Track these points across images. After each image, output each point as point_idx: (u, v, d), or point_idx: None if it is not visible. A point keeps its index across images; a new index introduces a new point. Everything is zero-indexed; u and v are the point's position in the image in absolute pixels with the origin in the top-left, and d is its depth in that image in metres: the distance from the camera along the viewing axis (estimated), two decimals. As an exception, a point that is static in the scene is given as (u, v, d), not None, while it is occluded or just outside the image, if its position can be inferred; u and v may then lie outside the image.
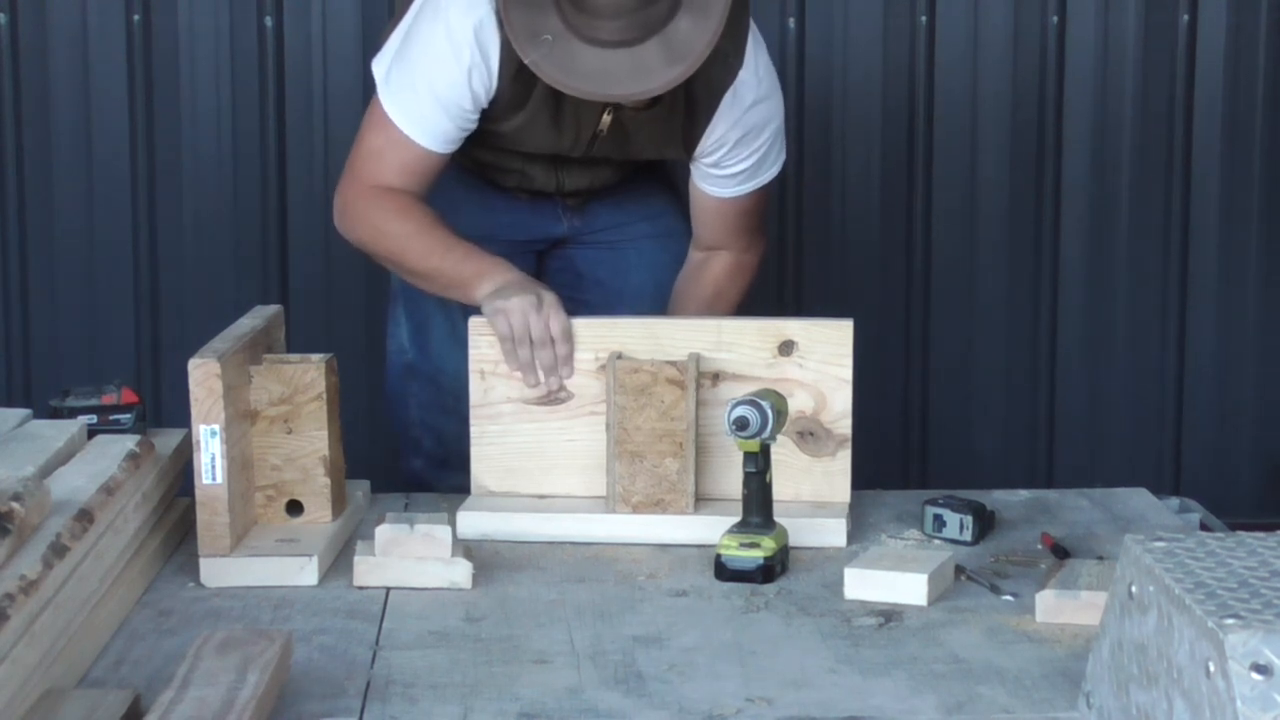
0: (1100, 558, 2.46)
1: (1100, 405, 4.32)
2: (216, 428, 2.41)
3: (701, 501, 2.65)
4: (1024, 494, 2.89)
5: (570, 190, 3.05)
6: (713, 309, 3.00)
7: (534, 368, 2.68)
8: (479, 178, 3.03)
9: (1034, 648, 2.18)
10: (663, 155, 3.00)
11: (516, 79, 2.76)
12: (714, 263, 3.04)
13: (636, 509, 2.61)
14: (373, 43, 4.11)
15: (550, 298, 2.70)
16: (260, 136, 4.14)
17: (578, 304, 2.88)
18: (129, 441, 2.47)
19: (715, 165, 2.91)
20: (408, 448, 3.13)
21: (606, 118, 2.84)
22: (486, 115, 2.83)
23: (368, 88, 4.13)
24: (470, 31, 2.74)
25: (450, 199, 2.94)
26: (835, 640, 2.22)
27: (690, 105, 2.82)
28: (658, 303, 3.06)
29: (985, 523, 2.63)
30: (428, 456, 3.08)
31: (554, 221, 3.11)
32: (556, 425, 2.70)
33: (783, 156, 2.98)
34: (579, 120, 2.85)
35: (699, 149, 2.88)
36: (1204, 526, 2.85)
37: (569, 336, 2.69)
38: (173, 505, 2.62)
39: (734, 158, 2.90)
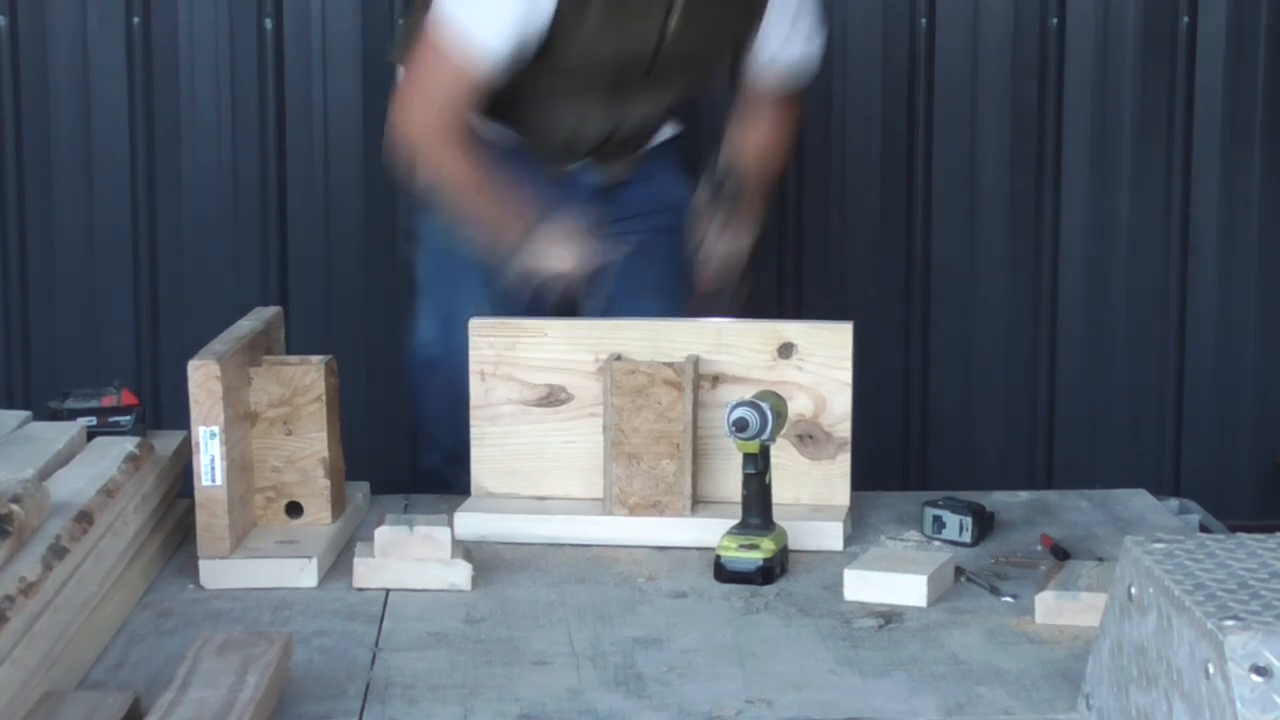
0: (1100, 559, 2.46)
1: (1100, 405, 4.31)
2: (216, 429, 2.41)
3: (700, 503, 2.65)
4: (1024, 495, 2.89)
5: (625, 136, 3.07)
6: (773, 146, 3.18)
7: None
8: (511, 164, 3.02)
9: (1034, 649, 2.18)
10: (730, 41, 3.06)
11: None
12: (762, 111, 3.18)
13: (634, 510, 2.61)
14: (373, 43, 4.13)
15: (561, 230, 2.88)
16: (260, 137, 4.14)
17: (602, 298, 2.91)
18: (129, 443, 2.47)
19: (769, 60, 3.07)
20: (425, 443, 3.14)
21: (676, 13, 2.90)
22: (554, 34, 2.87)
23: (368, 88, 4.16)
24: None
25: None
26: (835, 641, 2.22)
27: None
28: (679, 295, 3.09)
29: (985, 524, 2.63)
30: (446, 452, 3.07)
31: (581, 210, 3.06)
32: (556, 427, 2.70)
33: (820, 34, 3.14)
34: (644, 27, 2.90)
35: (757, 38, 3.04)
36: (1203, 528, 2.84)
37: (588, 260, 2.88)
38: (172, 507, 2.62)
39: (785, 47, 3.07)
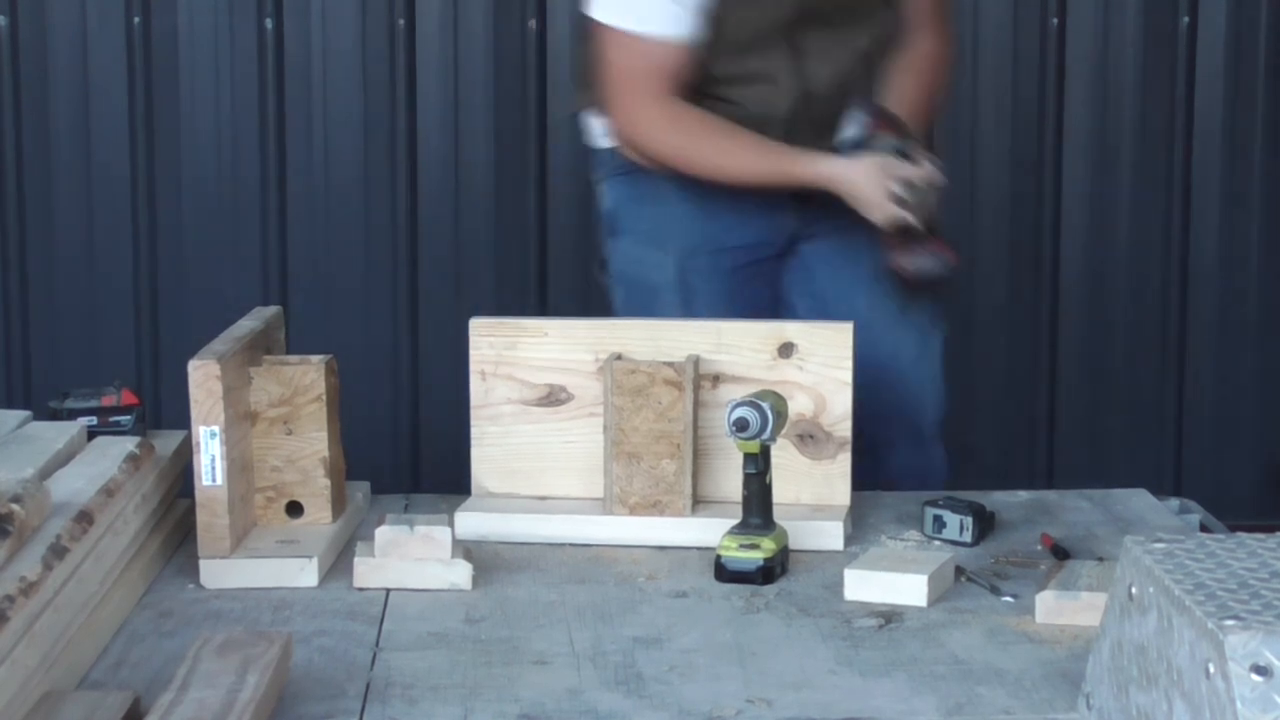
0: (1100, 559, 2.46)
1: (1100, 406, 4.32)
2: (216, 429, 2.41)
3: (701, 503, 2.65)
4: (1024, 495, 2.88)
5: (818, 107, 2.99)
6: (920, 74, 3.07)
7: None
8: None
9: (1034, 649, 2.18)
10: None
11: None
12: (914, 39, 3.07)
13: (634, 510, 2.61)
14: (373, 43, 4.13)
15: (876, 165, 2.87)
16: (260, 136, 4.15)
17: (817, 297, 2.95)
18: (129, 443, 2.47)
19: None
20: None
21: None
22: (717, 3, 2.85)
23: (368, 88, 4.16)
24: None
25: (670, 213, 3.00)
26: (835, 641, 2.22)
27: None
28: (888, 287, 3.04)
29: (985, 524, 2.63)
30: None
31: (782, 216, 3.06)
32: (556, 426, 2.70)
33: None
34: None
35: None
36: (1204, 528, 2.84)
37: (936, 176, 2.87)
38: (173, 507, 2.62)
39: None
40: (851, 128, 2.96)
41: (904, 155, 2.88)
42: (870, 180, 2.87)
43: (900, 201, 2.86)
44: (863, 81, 3.04)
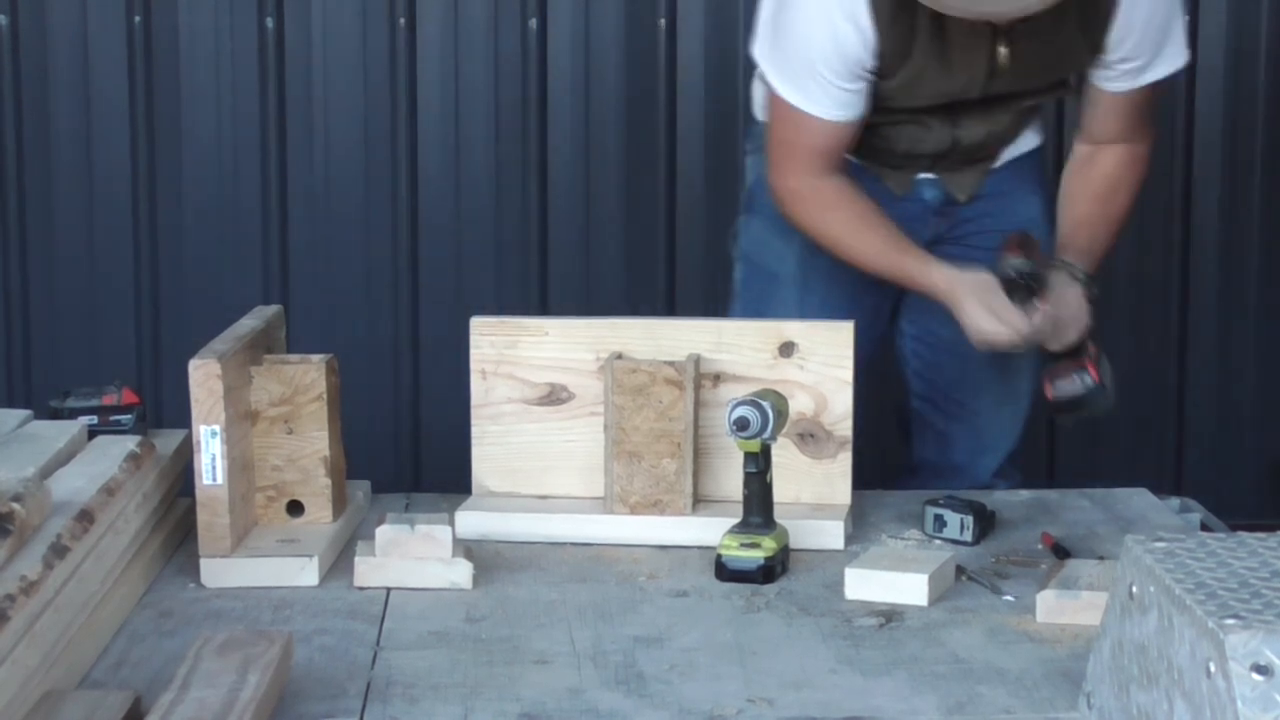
0: (1101, 558, 2.46)
1: (1100, 405, 4.31)
2: (217, 428, 2.41)
3: (701, 502, 2.65)
4: (1024, 494, 2.89)
5: (967, 145, 2.97)
6: (1110, 203, 2.98)
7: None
8: (854, 166, 2.98)
9: (1035, 648, 2.18)
10: (1066, 72, 2.92)
11: (894, 26, 2.72)
12: (1105, 155, 2.98)
13: (634, 509, 2.61)
14: (373, 43, 4.14)
15: (973, 289, 2.79)
16: (260, 136, 4.15)
17: (925, 311, 2.93)
18: (129, 442, 2.47)
19: (1122, 59, 2.84)
20: None
21: (1002, 50, 2.77)
22: (876, 73, 2.79)
23: (368, 88, 4.16)
24: None
25: None
26: (836, 640, 2.22)
27: (1089, 2, 2.73)
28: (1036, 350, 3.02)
29: (986, 523, 2.63)
30: None
31: (919, 227, 3.03)
32: (557, 425, 2.70)
33: (1186, 52, 2.91)
34: (970, 59, 2.79)
35: (1109, 43, 2.81)
36: (1204, 527, 2.84)
37: (1022, 323, 2.77)
38: (173, 506, 2.62)
39: (1139, 48, 2.83)
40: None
41: (1027, 281, 2.80)
42: (968, 299, 2.81)
43: (998, 327, 2.79)
44: (1016, 130, 3.02)
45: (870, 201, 2.91)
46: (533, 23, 4.15)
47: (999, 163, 3.06)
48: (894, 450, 3.26)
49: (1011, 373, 3.09)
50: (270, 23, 4.12)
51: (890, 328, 3.14)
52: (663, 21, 4.15)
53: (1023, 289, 2.79)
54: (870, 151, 2.98)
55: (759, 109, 3.07)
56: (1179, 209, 4.26)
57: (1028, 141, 3.08)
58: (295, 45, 4.13)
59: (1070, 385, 2.88)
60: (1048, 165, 3.18)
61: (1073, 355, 2.87)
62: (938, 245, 3.04)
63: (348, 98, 4.14)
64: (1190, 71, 4.20)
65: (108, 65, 4.11)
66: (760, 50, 2.88)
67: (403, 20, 4.13)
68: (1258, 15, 4.20)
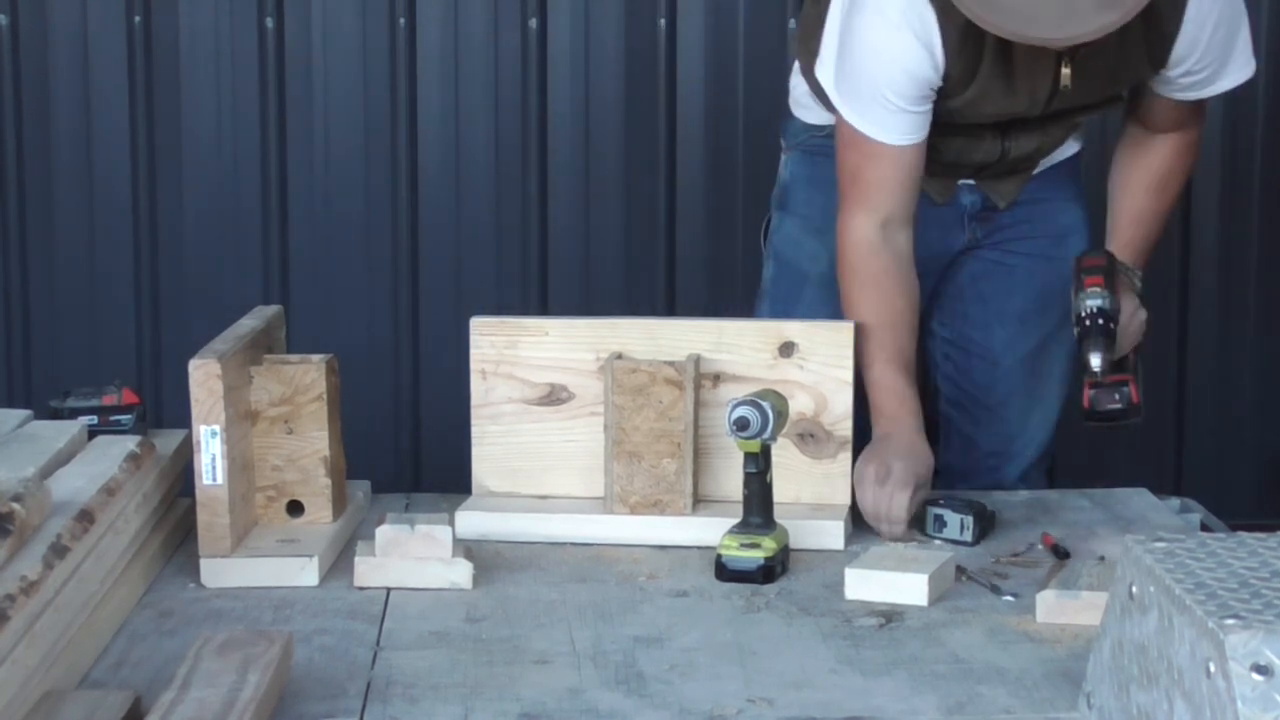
0: (1101, 558, 2.46)
1: (1100, 405, 4.31)
2: (217, 428, 2.41)
3: (701, 502, 2.65)
4: (1024, 494, 2.89)
5: (1014, 158, 2.93)
6: (1164, 194, 2.94)
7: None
8: None
9: (1035, 648, 2.18)
10: (1125, 86, 2.88)
11: (963, 50, 2.68)
12: (1159, 144, 2.93)
13: (634, 509, 2.61)
14: (373, 42, 4.13)
15: (898, 474, 2.60)
16: (260, 136, 4.15)
17: (958, 315, 2.89)
18: (129, 442, 2.47)
19: (1185, 73, 2.79)
20: None
21: (1065, 70, 2.73)
22: (940, 92, 2.75)
23: (368, 88, 4.16)
24: (904, 14, 2.67)
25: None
26: (836, 640, 2.22)
27: (1153, 17, 2.66)
28: (1036, 327, 3.00)
29: (986, 523, 2.63)
30: None
31: (956, 232, 3.02)
32: (557, 426, 2.70)
33: (1252, 62, 2.84)
34: (1034, 79, 2.75)
35: (1173, 58, 2.76)
36: (1204, 527, 2.84)
37: (900, 517, 2.60)
38: (173, 506, 2.62)
39: (1202, 63, 2.78)
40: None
41: (1108, 321, 2.75)
42: (868, 465, 2.64)
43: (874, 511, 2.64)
44: (1064, 141, 3.00)
45: (908, 298, 2.81)
46: (533, 23, 4.15)
47: (1038, 169, 3.03)
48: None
49: (1043, 378, 3.08)
50: (270, 23, 4.11)
51: (920, 331, 3.10)
52: (663, 21, 4.14)
53: (1101, 333, 2.74)
54: None
55: (795, 106, 3.06)
56: (1179, 209, 4.25)
57: (1067, 149, 3.05)
58: (295, 45, 4.13)
59: (1110, 400, 2.84)
60: (1081, 167, 3.14)
61: (1117, 368, 2.84)
62: (974, 250, 3.04)
63: (348, 98, 4.14)
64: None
65: (108, 65, 4.11)
66: (824, 74, 2.82)
67: (403, 20, 4.13)
68: (1258, 15, 4.20)
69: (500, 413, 2.71)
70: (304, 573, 2.42)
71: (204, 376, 2.40)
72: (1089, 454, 4.27)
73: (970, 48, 2.68)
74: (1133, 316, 2.86)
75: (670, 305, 4.18)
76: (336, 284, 4.20)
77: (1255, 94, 4.21)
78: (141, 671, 2.11)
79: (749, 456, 2.47)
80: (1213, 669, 1.60)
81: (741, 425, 2.44)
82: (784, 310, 2.99)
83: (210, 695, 1.85)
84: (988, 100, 2.77)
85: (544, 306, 4.19)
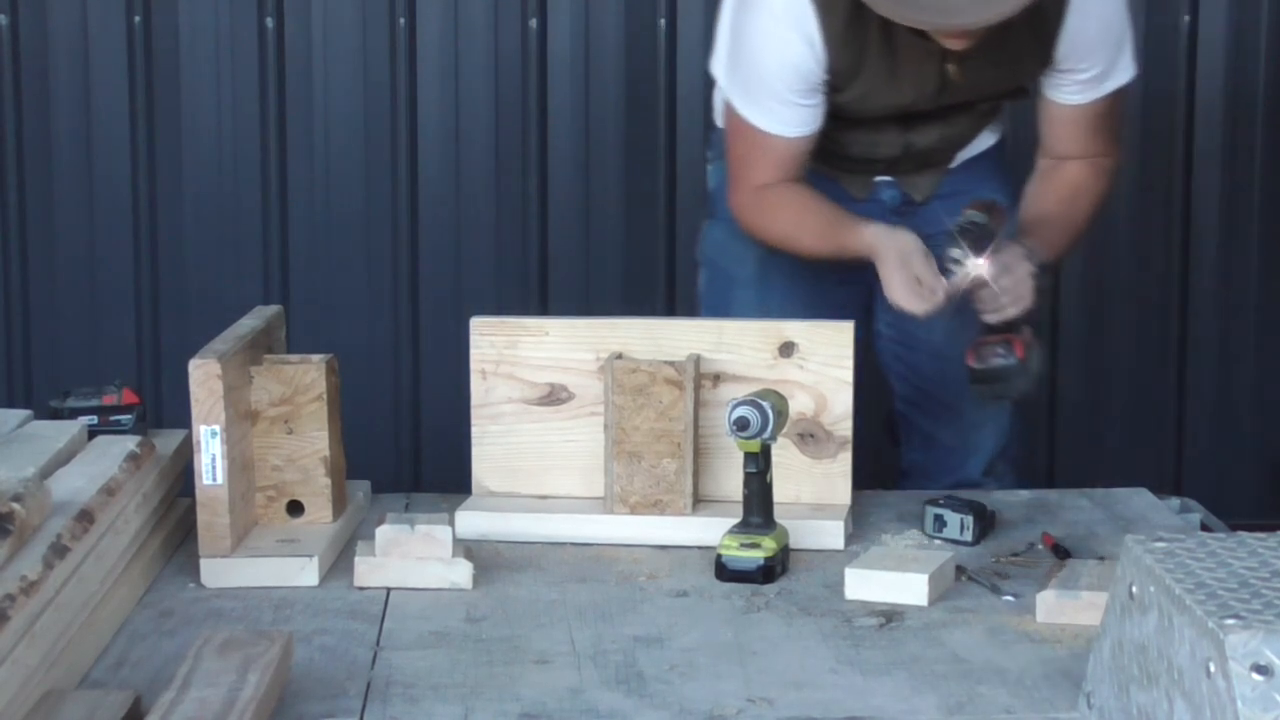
0: (1101, 558, 2.46)
1: (1100, 405, 4.32)
2: (217, 428, 2.41)
3: (701, 502, 2.65)
4: (1024, 494, 2.89)
5: (920, 150, 2.98)
6: (1071, 206, 2.95)
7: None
8: (812, 170, 2.99)
9: (1035, 648, 2.18)
10: (1019, 81, 2.92)
11: (845, 44, 2.75)
12: (1069, 165, 2.97)
13: (634, 509, 2.61)
14: (373, 43, 4.13)
15: (901, 250, 2.74)
16: (260, 136, 4.15)
17: (899, 314, 2.89)
18: (129, 442, 2.47)
19: (1072, 70, 2.85)
20: None
21: (950, 66, 2.80)
22: (829, 87, 2.82)
23: (368, 88, 4.16)
24: (787, 9, 2.76)
25: None
26: (836, 640, 2.22)
27: (1037, 12, 2.72)
28: (976, 314, 2.96)
29: (986, 523, 2.63)
30: None
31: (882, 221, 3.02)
32: (557, 425, 2.70)
33: (1133, 65, 2.91)
34: (920, 74, 2.82)
35: (1058, 55, 2.82)
36: (1204, 527, 2.84)
37: (920, 275, 2.71)
38: (173, 506, 2.62)
39: (1090, 56, 2.84)
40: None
41: (976, 232, 2.73)
42: (888, 261, 2.76)
43: (910, 295, 2.74)
44: (973, 133, 3.03)
45: (812, 191, 2.92)
46: (533, 23, 4.15)
47: (955, 164, 3.07)
48: (886, 452, 3.26)
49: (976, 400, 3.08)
50: (270, 22, 4.11)
51: (867, 325, 3.11)
52: (663, 21, 4.15)
53: (970, 237, 2.73)
54: (825, 156, 3.00)
55: (719, 117, 3.10)
56: (1179, 210, 4.26)
57: (984, 141, 3.09)
58: (295, 45, 4.13)
59: (993, 356, 2.81)
60: (1006, 161, 3.15)
61: (1006, 330, 2.82)
62: None
63: (348, 97, 4.14)
64: (1190, 71, 4.20)
65: (108, 65, 4.11)
66: (718, 68, 2.93)
67: (403, 20, 4.13)
68: (1258, 15, 4.20)
69: (500, 413, 2.71)
70: (304, 573, 2.42)
71: (204, 376, 2.40)
72: (1089, 454, 4.28)
73: (853, 43, 2.74)
74: (1025, 279, 2.78)
75: (670, 305, 4.18)
76: (336, 284, 4.20)
77: (1255, 93, 4.21)
78: (141, 671, 2.11)
79: (749, 456, 2.47)
80: (1213, 669, 1.60)
81: (741, 425, 2.44)
82: (717, 314, 3.03)
83: (210, 695, 1.85)
84: (876, 94, 2.84)
85: (544, 306, 4.19)
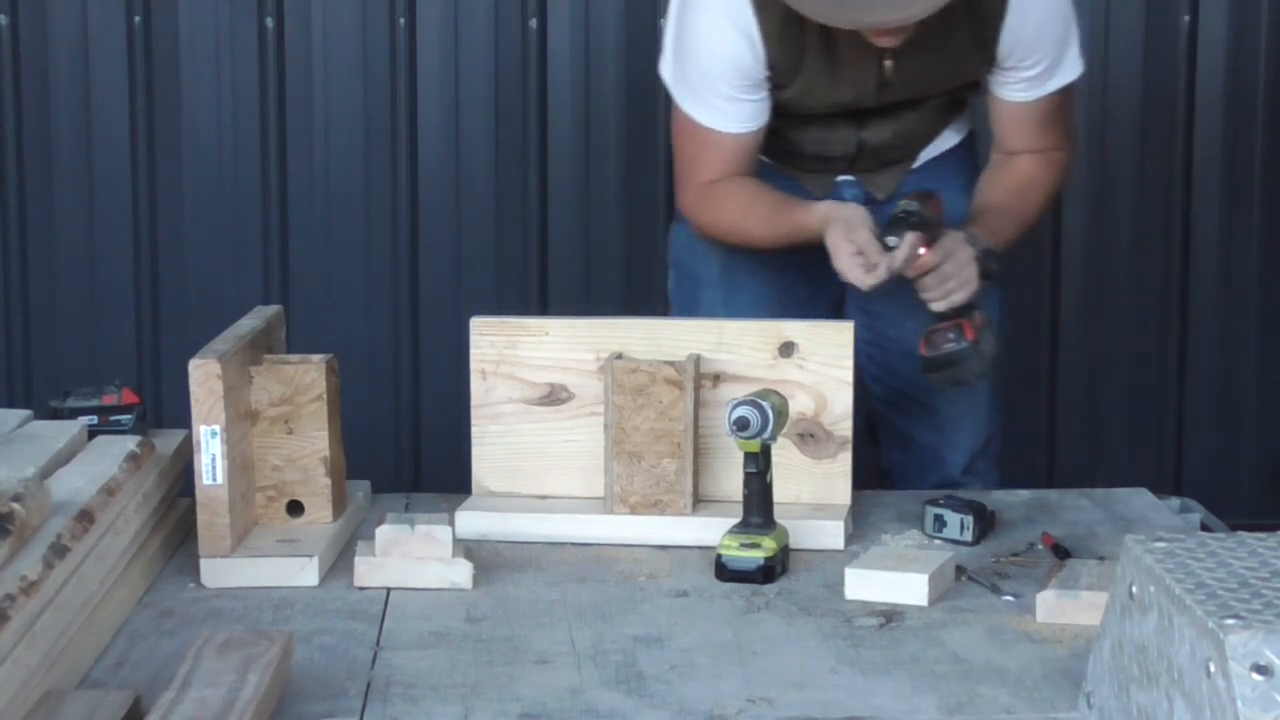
0: (1101, 558, 2.46)
1: (1100, 405, 4.32)
2: (217, 428, 2.41)
3: (701, 502, 2.65)
4: (1024, 494, 2.88)
5: (873, 146, 2.99)
6: (1021, 198, 2.96)
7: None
8: (768, 173, 3.01)
9: (1035, 648, 2.18)
10: (962, 78, 2.93)
11: (783, 41, 2.77)
12: (1021, 158, 2.98)
13: (634, 509, 2.61)
14: (373, 43, 4.14)
15: (846, 220, 2.76)
16: (260, 136, 4.15)
17: (870, 314, 2.94)
18: (129, 442, 2.47)
19: (1015, 67, 2.86)
20: None
21: (887, 63, 2.82)
22: (771, 84, 2.86)
23: (368, 88, 4.16)
24: (725, 7, 2.79)
25: None
26: (836, 640, 2.22)
27: (977, 11, 2.76)
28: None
29: (986, 523, 2.63)
30: None
31: None
32: (557, 425, 2.70)
33: (1081, 60, 2.92)
34: (859, 71, 2.84)
35: (999, 53, 2.83)
36: (1204, 527, 2.84)
37: (862, 247, 2.72)
38: (173, 506, 2.62)
39: (1033, 54, 2.85)
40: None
41: (910, 220, 2.75)
42: (832, 234, 2.78)
43: (853, 264, 2.75)
44: (931, 129, 3.04)
45: (760, 182, 2.94)
46: (533, 23, 4.15)
47: (919, 162, 3.08)
48: (867, 453, 3.25)
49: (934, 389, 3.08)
50: (270, 23, 4.12)
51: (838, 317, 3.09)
52: (663, 22, 4.14)
53: (905, 224, 2.74)
54: (782, 155, 3.02)
55: None
56: (1179, 209, 4.26)
57: (949, 139, 3.09)
58: (295, 45, 4.13)
59: (944, 343, 2.82)
60: (974, 159, 3.15)
61: (956, 317, 2.83)
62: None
63: (348, 97, 4.14)
64: (1190, 71, 4.20)
65: (108, 65, 4.11)
66: (664, 68, 2.95)
67: (403, 20, 4.13)
68: (1258, 15, 4.20)
69: (500, 413, 2.71)
70: (304, 573, 2.42)
71: (204, 376, 2.40)
72: (1089, 454, 4.28)
73: (791, 40, 2.76)
74: (969, 263, 2.79)
75: (670, 305, 4.18)
76: (336, 284, 4.20)
77: (1255, 93, 4.21)
78: (141, 671, 2.11)
79: (749, 456, 2.47)
80: (1213, 669, 1.60)
81: (741, 425, 2.44)
82: (687, 315, 3.05)
83: (210, 695, 1.85)
84: (818, 91, 2.86)
85: (544, 306, 4.19)
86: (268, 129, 4.14)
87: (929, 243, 2.76)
